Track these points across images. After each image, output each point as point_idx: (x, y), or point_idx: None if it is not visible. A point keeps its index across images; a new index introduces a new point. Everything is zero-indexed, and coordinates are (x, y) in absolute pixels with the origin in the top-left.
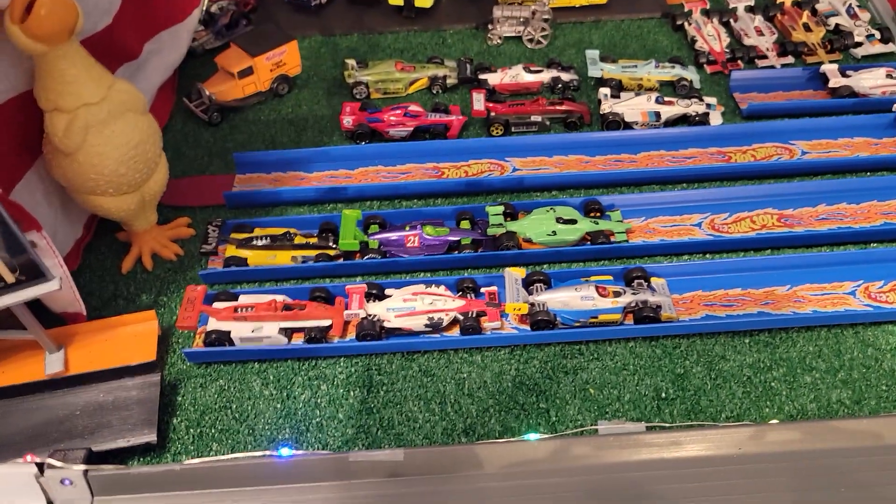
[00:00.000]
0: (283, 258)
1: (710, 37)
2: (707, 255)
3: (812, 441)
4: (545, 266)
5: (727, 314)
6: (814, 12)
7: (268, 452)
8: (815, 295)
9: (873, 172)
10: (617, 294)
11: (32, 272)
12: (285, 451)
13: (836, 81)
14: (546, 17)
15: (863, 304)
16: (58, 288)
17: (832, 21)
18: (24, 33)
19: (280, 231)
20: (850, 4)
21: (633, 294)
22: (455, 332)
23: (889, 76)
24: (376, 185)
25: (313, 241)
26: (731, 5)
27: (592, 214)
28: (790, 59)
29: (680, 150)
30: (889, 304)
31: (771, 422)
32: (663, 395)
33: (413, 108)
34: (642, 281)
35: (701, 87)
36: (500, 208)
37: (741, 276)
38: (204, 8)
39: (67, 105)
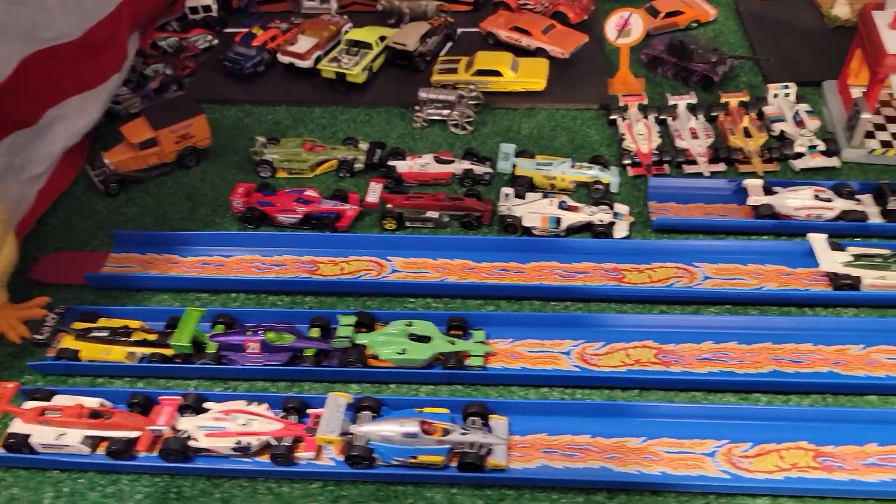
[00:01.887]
0: (117, 354)
1: (640, 136)
2: (569, 392)
3: None
4: (391, 387)
5: (565, 465)
6: (760, 115)
7: None
8: (669, 452)
9: (778, 308)
10: (446, 432)
11: None
12: None
13: (756, 199)
14: (474, 101)
15: (720, 469)
16: None
17: (778, 127)
18: None
19: (118, 324)
20: (798, 111)
21: (463, 434)
22: (264, 458)
23: (817, 197)
24: (246, 278)
25: (152, 337)
26: (671, 102)
27: (453, 332)
28: (722, 167)
29: (573, 263)
30: (749, 472)
31: None
32: None
33: (309, 193)
34: (477, 419)
35: (619, 191)
36: (352, 318)
37: (594, 420)
38: (124, 74)
39: None
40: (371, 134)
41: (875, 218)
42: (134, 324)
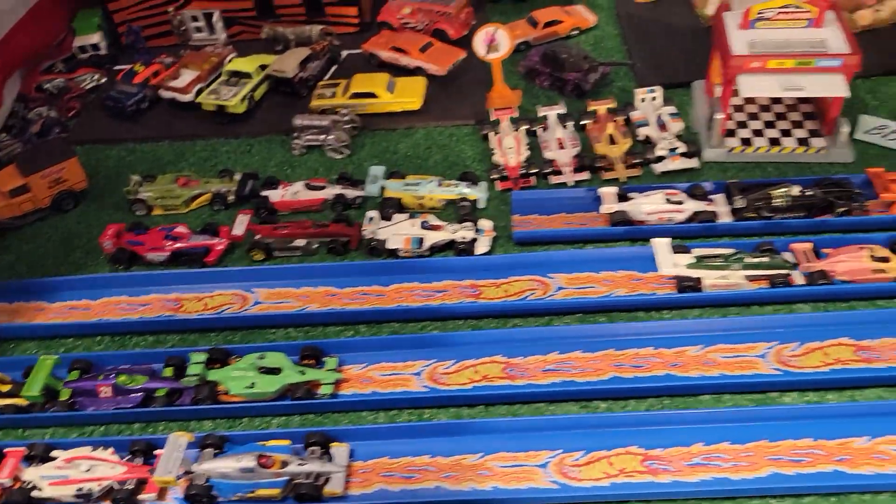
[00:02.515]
0: None
1: (509, 149)
2: (415, 414)
3: None
4: (243, 421)
5: (402, 488)
6: (627, 122)
7: None
8: (504, 467)
9: (626, 314)
10: (284, 464)
11: None
12: None
13: (608, 207)
14: (350, 125)
15: (551, 480)
16: None
17: (643, 131)
18: None
19: None
20: (661, 114)
21: (301, 465)
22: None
23: (668, 200)
24: (112, 321)
25: (6, 388)
26: (541, 113)
27: (306, 361)
28: (586, 176)
29: (434, 283)
30: (578, 481)
31: None
32: None
33: (178, 229)
34: (318, 448)
35: (487, 206)
36: (204, 356)
37: (437, 440)
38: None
39: None
40: (251, 164)
41: (726, 217)
42: None
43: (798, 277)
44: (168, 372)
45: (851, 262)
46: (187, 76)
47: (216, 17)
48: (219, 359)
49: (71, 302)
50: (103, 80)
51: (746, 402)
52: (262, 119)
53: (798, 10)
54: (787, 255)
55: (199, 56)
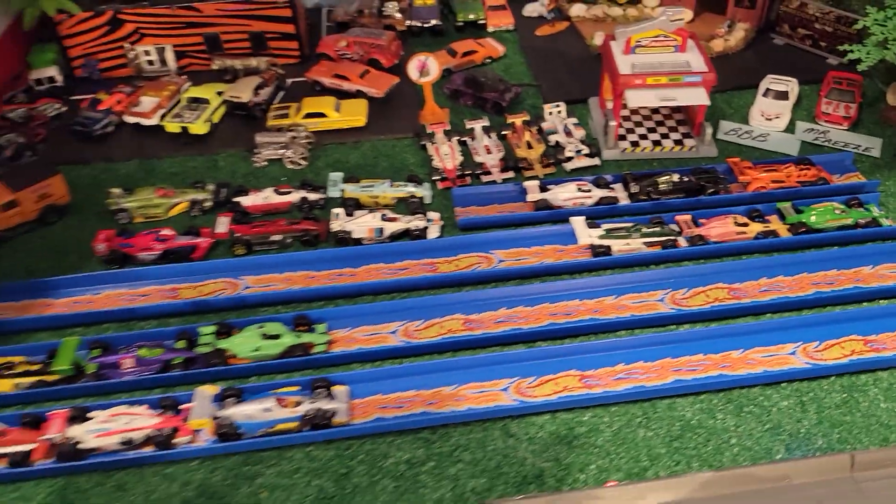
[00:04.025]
0: (4, 386)
1: (446, 156)
2: (398, 360)
3: None
4: (252, 379)
5: (395, 416)
6: (539, 130)
7: None
8: (474, 393)
9: (555, 277)
10: (297, 403)
11: None
12: None
13: (533, 196)
14: (305, 140)
15: (512, 398)
16: None
17: (553, 138)
18: None
19: (3, 361)
20: (567, 124)
21: (312, 402)
22: (148, 448)
23: (579, 189)
24: (117, 309)
25: (35, 368)
26: (469, 126)
27: (300, 328)
28: (511, 175)
29: (396, 263)
30: (533, 397)
31: None
32: (323, 495)
33: (164, 232)
34: (323, 390)
35: (432, 201)
36: (213, 328)
37: (418, 378)
38: None
39: None
40: (218, 176)
41: (624, 200)
42: (17, 359)
43: (682, 242)
44: (181, 344)
45: (721, 228)
46: (148, 103)
47: (168, 51)
48: (224, 332)
49: (74, 297)
50: (64, 109)
51: (653, 332)
52: (221, 138)
53: (667, 38)
54: (673, 226)
55: (158, 85)
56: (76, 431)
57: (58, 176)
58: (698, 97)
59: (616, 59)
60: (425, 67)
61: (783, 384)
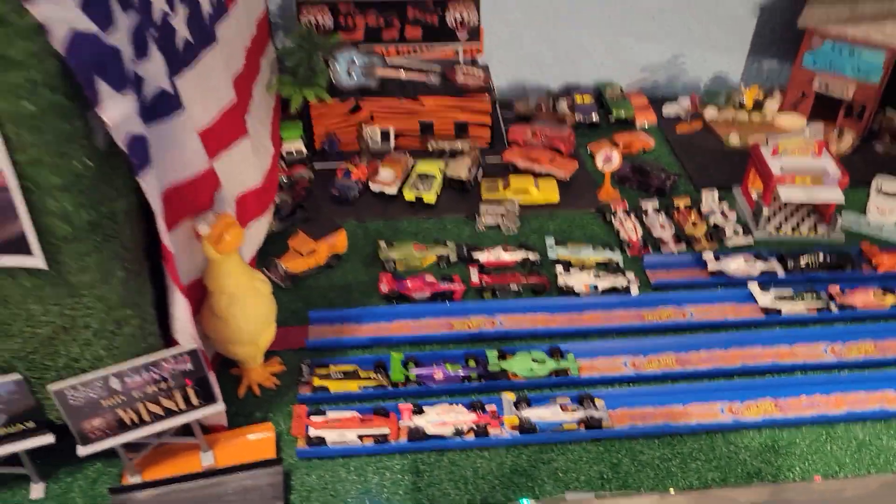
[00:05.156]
0: (351, 386)
1: (630, 230)
2: (630, 384)
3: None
4: (528, 391)
5: (643, 424)
6: (699, 212)
7: None
8: (697, 411)
9: (737, 328)
10: (574, 410)
11: (209, 398)
12: None
13: (712, 266)
14: (516, 211)
15: (726, 417)
16: (222, 410)
17: (711, 219)
18: (213, 248)
19: (349, 368)
20: (723, 209)
21: (584, 410)
22: (470, 436)
23: (746, 262)
24: (408, 335)
25: (370, 374)
26: (644, 207)
27: (555, 356)
28: (684, 247)
29: (610, 311)
30: (743, 417)
31: (670, 491)
32: (604, 476)
33: (428, 278)
34: (589, 401)
35: (624, 265)
36: (496, 352)
37: (651, 397)
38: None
39: (227, 289)
40: (447, 236)
41: (780, 272)
42: (350, 367)
43: (834, 307)
44: (472, 363)
45: (864, 298)
46: (386, 174)
47: (391, 132)
48: (502, 356)
49: (374, 324)
50: (312, 176)
51: (820, 374)
52: (446, 206)
53: (806, 146)
54: (825, 294)
55: (391, 159)
56: (420, 421)
57: (342, 230)
58: (835, 195)
59: (767, 161)
60: (610, 159)
61: None
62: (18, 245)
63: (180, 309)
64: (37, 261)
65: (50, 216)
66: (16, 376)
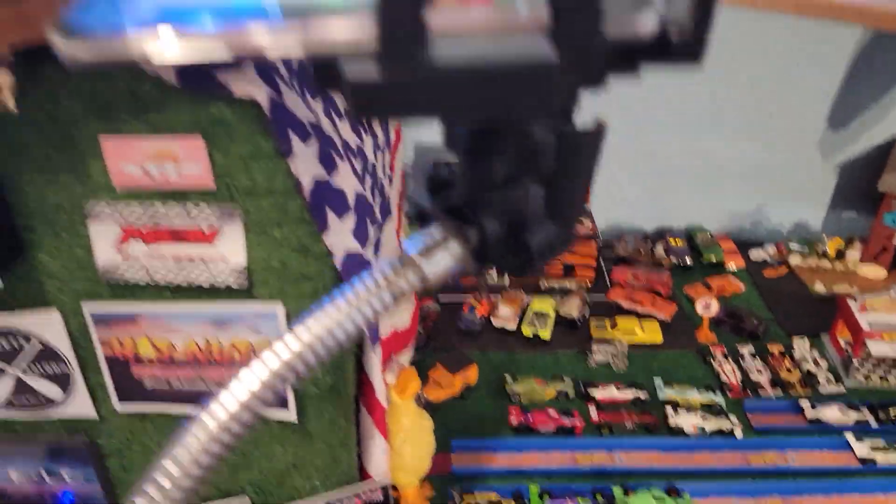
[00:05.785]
0: None
1: (729, 372)
2: None
3: None
4: None
5: None
6: (792, 358)
7: None
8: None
9: (833, 475)
10: None
11: None
12: None
13: (810, 413)
14: (625, 351)
15: None
16: None
17: (804, 366)
18: (397, 395)
19: (493, 497)
20: (815, 357)
21: None
22: None
23: (840, 411)
24: (537, 467)
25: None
26: (741, 351)
27: (672, 495)
28: (780, 391)
29: (717, 452)
30: None
31: None
32: None
33: (551, 411)
34: None
35: (726, 407)
36: (621, 489)
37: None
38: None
39: (404, 427)
40: (561, 371)
41: (873, 422)
42: (494, 497)
43: None
44: (599, 497)
45: None
46: (505, 311)
47: (506, 275)
48: (624, 491)
49: (507, 454)
50: (439, 308)
51: None
52: (559, 341)
53: (893, 304)
54: None
55: (508, 296)
56: None
57: (474, 364)
58: None
59: (857, 315)
60: (709, 306)
61: None
62: (280, 401)
63: (379, 451)
64: (290, 414)
65: (304, 382)
66: (245, 499)
